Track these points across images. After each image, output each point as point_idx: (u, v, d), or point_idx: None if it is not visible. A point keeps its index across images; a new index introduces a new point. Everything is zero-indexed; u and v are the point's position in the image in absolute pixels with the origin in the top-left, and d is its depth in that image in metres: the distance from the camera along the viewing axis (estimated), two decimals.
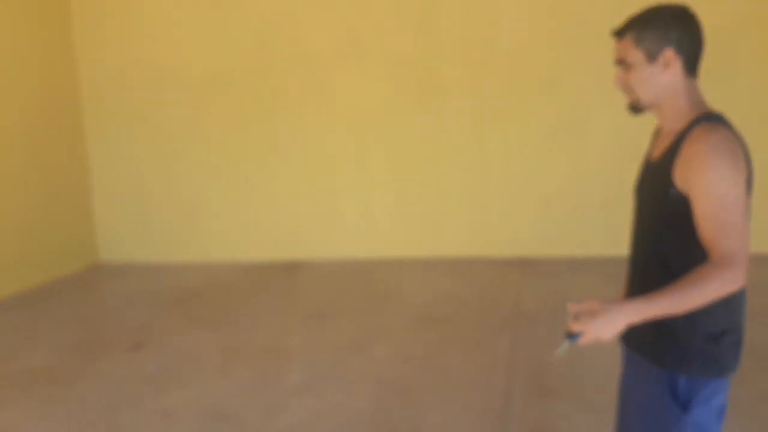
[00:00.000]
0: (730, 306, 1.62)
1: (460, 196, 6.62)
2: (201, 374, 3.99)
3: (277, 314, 5.17)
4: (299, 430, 3.21)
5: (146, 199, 7.29)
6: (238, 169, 7.05)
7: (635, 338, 1.73)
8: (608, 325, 1.49)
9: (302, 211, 6.97)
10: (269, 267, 6.72)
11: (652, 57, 1.65)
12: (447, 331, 4.51)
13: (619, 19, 1.80)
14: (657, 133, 1.86)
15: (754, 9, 5.86)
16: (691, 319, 1.59)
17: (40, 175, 6.62)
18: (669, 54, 1.63)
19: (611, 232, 6.18)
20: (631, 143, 6.05)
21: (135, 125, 7.18)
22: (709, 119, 1.63)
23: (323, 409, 3.42)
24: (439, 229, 6.71)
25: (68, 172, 7.06)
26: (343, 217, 6.91)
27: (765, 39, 5.83)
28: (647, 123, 2.35)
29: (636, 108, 1.75)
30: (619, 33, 1.70)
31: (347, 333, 4.58)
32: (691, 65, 1.67)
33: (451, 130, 6.52)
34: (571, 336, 1.55)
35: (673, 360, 1.65)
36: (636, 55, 1.66)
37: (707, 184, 1.55)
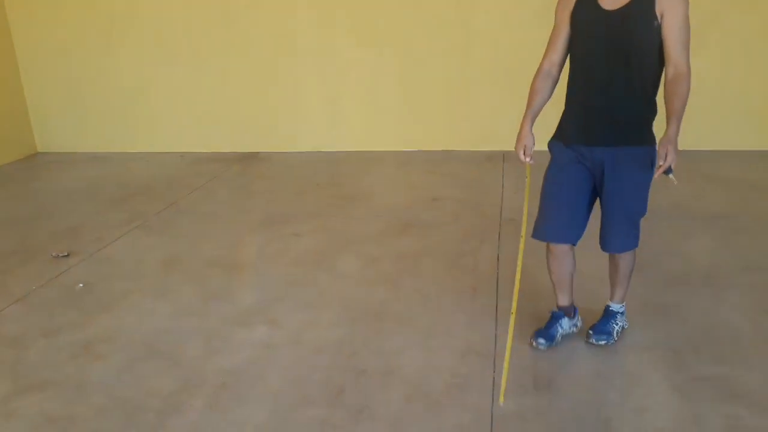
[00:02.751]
0: None
1: (438, 80, 5.82)
2: (134, 294, 3.37)
3: (229, 217, 4.51)
4: (245, 371, 2.64)
5: (82, 84, 6.38)
6: (186, 48, 6.11)
7: (617, 137, 2.38)
8: (676, 152, 2.17)
9: (260, 96, 6.13)
10: (223, 160, 5.98)
11: None
12: (424, 240, 3.92)
13: None
14: None
15: None
16: (654, 112, 2.40)
17: None
18: None
19: None
20: None
21: (62, 5, 6.10)
22: None
23: (277, 341, 2.85)
24: (414, 119, 5.97)
25: None
26: (306, 104, 6.10)
27: None
28: None
29: None
30: None
31: (309, 243, 3.96)
32: None
33: (430, 4, 5.61)
34: (668, 171, 2.19)
35: (648, 139, 2.40)
36: None
37: (683, 18, 2.25)
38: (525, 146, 2.50)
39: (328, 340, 2.85)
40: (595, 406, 2.39)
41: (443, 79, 5.79)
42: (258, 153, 6.18)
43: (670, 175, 2.19)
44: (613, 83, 2.35)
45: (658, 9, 2.23)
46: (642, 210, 2.52)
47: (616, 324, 2.74)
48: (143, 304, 3.26)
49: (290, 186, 5.15)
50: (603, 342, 2.70)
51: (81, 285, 3.47)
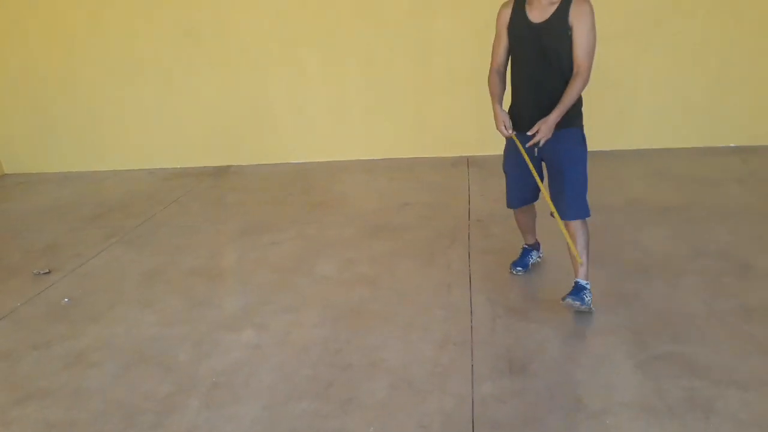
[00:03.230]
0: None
1: (401, 89, 6.01)
2: (120, 306, 3.47)
3: (207, 229, 4.62)
4: (236, 372, 2.77)
5: (47, 102, 6.39)
6: (152, 62, 6.19)
7: (558, 123, 2.91)
8: (549, 130, 2.88)
9: (229, 110, 6.24)
10: (195, 174, 6.08)
11: None
12: (397, 242, 4.10)
13: None
14: (519, 7, 2.95)
15: None
16: (578, 103, 2.99)
17: None
18: None
19: None
20: None
21: (24, 19, 6.13)
22: None
23: (264, 342, 2.99)
24: (379, 127, 6.15)
25: None
26: (274, 117, 6.23)
27: None
28: None
29: None
30: None
31: (287, 249, 4.10)
32: None
33: (390, 12, 5.81)
34: (536, 145, 2.93)
35: (576, 122, 3.02)
36: None
37: (588, 28, 2.82)
38: (503, 122, 2.99)
39: (313, 339, 2.99)
40: (567, 386, 2.59)
41: (406, 88, 5.99)
42: (229, 166, 6.28)
43: (536, 149, 2.95)
44: (543, 81, 2.93)
45: (570, 20, 2.82)
46: (582, 179, 3.03)
47: (586, 296, 3.03)
48: (130, 315, 3.35)
49: (264, 197, 5.27)
50: (578, 303, 2.99)
51: (67, 300, 3.55)
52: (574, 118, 2.98)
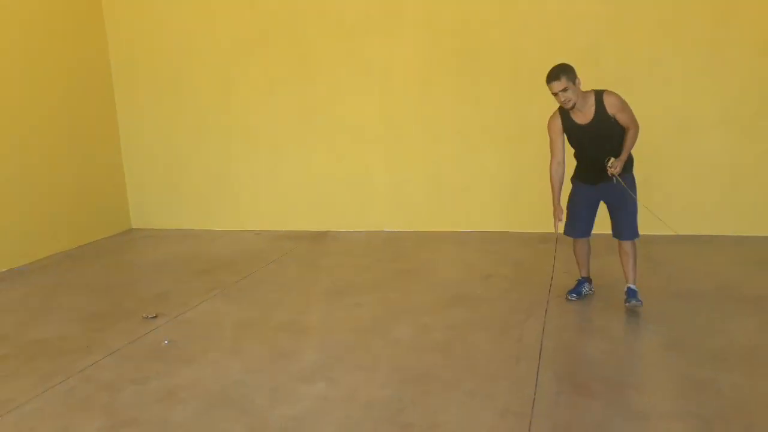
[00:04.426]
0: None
1: (495, 169, 6.23)
2: (212, 351, 3.80)
3: (299, 288, 4.95)
4: (304, 420, 2.97)
5: (177, 166, 7.17)
6: (268, 137, 6.82)
7: (610, 178, 3.83)
8: (621, 165, 3.78)
9: (333, 181, 6.71)
10: (297, 237, 6.52)
11: (575, 82, 3.75)
12: (475, 313, 4.21)
13: None
14: (565, 116, 3.93)
15: None
16: (630, 157, 3.91)
17: (74, 145, 6.60)
18: (578, 80, 3.76)
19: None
20: (674, 108, 5.61)
21: (164, 94, 7.02)
22: (597, 90, 3.83)
23: (333, 396, 3.18)
24: (472, 203, 6.36)
25: (100, 140, 7.00)
26: (374, 189, 6.62)
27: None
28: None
29: (573, 107, 3.84)
30: (557, 77, 3.75)
31: (369, 311, 4.33)
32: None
33: (487, 100, 6.11)
34: (613, 177, 3.83)
35: (630, 169, 3.95)
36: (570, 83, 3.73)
37: (625, 109, 3.79)
38: (559, 215, 4.10)
39: (379, 397, 3.15)
40: None
41: (500, 164, 6.20)
42: (328, 232, 6.69)
43: (614, 179, 3.82)
44: (600, 154, 3.86)
45: (610, 112, 3.79)
46: (635, 210, 3.98)
47: (639, 296, 3.96)
48: (220, 360, 3.67)
49: (354, 261, 5.57)
50: (639, 303, 3.94)
51: (167, 342, 3.94)
52: (629, 166, 3.93)
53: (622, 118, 3.78)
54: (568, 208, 4.12)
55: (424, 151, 6.41)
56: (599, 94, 3.79)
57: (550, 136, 4.00)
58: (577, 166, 4.11)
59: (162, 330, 4.17)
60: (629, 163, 3.91)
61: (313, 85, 6.56)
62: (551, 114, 3.97)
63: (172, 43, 6.87)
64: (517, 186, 6.18)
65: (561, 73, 3.70)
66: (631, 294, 3.98)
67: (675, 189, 5.78)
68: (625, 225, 3.97)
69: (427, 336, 3.86)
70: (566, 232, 4.19)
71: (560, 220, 4.04)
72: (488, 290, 4.64)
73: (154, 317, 4.39)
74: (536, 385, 3.18)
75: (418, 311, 4.28)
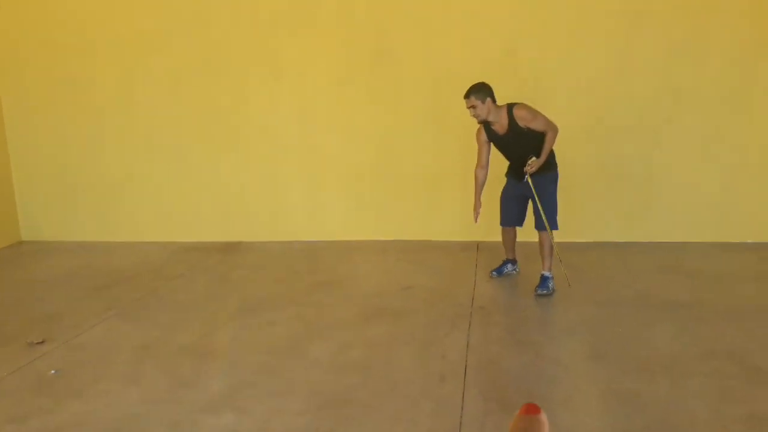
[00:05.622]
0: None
1: (414, 176, 6.08)
2: (105, 380, 3.40)
3: (207, 305, 4.58)
4: None
5: (71, 172, 6.60)
6: (172, 141, 6.38)
7: (538, 172, 4.32)
8: (538, 165, 4.28)
9: (244, 188, 6.36)
10: (206, 249, 6.12)
11: (484, 100, 4.23)
12: (396, 327, 4.00)
13: None
14: (487, 128, 4.41)
15: None
16: (551, 157, 4.40)
17: None
18: (488, 100, 4.25)
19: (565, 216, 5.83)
20: (590, 112, 5.66)
21: (57, 94, 6.45)
22: (510, 104, 4.28)
23: (243, 428, 2.87)
24: (391, 211, 6.17)
25: None
26: (288, 196, 6.32)
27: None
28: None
29: (482, 122, 4.36)
30: (467, 96, 4.26)
31: (283, 329, 4.03)
32: (494, 100, 4.28)
33: (406, 103, 5.95)
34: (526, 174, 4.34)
35: (553, 168, 4.42)
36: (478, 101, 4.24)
37: (536, 118, 4.23)
38: (479, 211, 4.57)
39: (294, 427, 2.87)
40: None
41: (420, 171, 6.04)
42: (240, 242, 6.32)
43: (525, 177, 4.34)
44: (523, 155, 4.34)
45: (522, 125, 4.25)
46: (555, 204, 4.47)
47: (550, 283, 4.46)
48: (114, 390, 3.28)
49: (268, 274, 5.26)
50: (545, 292, 4.41)
51: (54, 371, 3.50)
52: (551, 166, 4.41)
53: (536, 126, 4.22)
54: (501, 200, 4.66)
55: (342, 157, 6.17)
56: (510, 108, 4.24)
57: (477, 144, 4.49)
58: (508, 169, 4.63)
59: (49, 357, 3.71)
60: (550, 163, 4.37)
61: (222, 85, 6.18)
62: (478, 127, 4.48)
63: (65, 37, 6.30)
64: (438, 194, 6.05)
65: (471, 92, 4.23)
66: (541, 281, 4.49)
67: (589, 194, 5.82)
68: (542, 218, 4.41)
69: (347, 355, 3.62)
70: (501, 222, 4.72)
71: (478, 213, 4.53)
72: (410, 302, 4.45)
73: (40, 342, 3.92)
74: (462, 407, 3.00)
75: (336, 327, 4.02)
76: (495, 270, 4.91)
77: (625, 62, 5.57)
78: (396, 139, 6.04)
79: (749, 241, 5.69)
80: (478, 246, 5.76)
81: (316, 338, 3.86)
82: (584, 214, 5.84)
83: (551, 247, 4.47)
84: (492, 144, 4.48)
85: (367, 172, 6.15)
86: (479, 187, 4.54)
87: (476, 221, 4.56)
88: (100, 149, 6.49)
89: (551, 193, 4.46)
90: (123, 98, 6.35)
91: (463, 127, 5.54)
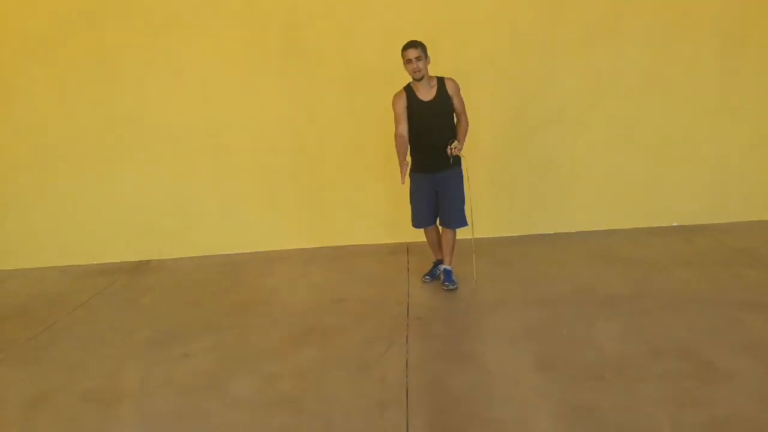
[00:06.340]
0: None
1: (334, 178, 5.71)
2: None
3: (112, 339, 4.06)
4: None
5: None
6: (65, 153, 5.72)
7: (446, 166, 4.21)
8: (461, 146, 4.20)
9: (149, 201, 5.79)
10: (112, 271, 5.54)
11: (426, 57, 4.11)
12: (328, 350, 3.64)
13: None
14: (410, 94, 4.19)
15: None
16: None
17: None
18: (429, 59, 4.13)
19: (498, 213, 5.65)
20: (513, 102, 5.49)
21: None
22: (439, 77, 4.22)
23: None
24: (313, 216, 5.79)
25: None
26: (200, 206, 5.80)
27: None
28: None
29: (421, 78, 4.12)
30: (414, 46, 4.06)
31: (200, 363, 3.59)
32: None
33: (320, 99, 5.57)
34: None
35: (459, 164, 4.30)
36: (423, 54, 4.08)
37: (459, 94, 4.24)
38: (404, 168, 4.07)
39: None
40: None
41: (339, 173, 5.69)
42: (149, 261, 5.77)
43: (452, 159, 4.18)
44: (439, 134, 4.20)
45: (450, 93, 4.19)
46: (463, 201, 4.35)
47: (453, 276, 4.48)
48: None
49: (182, 297, 4.77)
50: (453, 287, 4.40)
51: None
52: (460, 161, 4.30)
53: (457, 102, 4.21)
54: (412, 202, 4.44)
55: (255, 160, 5.71)
56: (441, 79, 4.22)
57: (395, 110, 4.20)
58: (414, 157, 4.29)
59: None
60: (458, 158, 4.27)
61: (117, 89, 5.58)
62: (396, 93, 4.22)
63: None
64: (360, 194, 5.71)
65: (419, 44, 4.07)
66: (447, 275, 4.46)
67: (515, 186, 5.65)
68: (454, 215, 4.32)
69: (274, 388, 3.22)
70: (414, 224, 4.48)
71: (405, 173, 4.08)
72: (341, 318, 4.10)
73: None
74: None
75: (261, 356, 3.62)
76: (427, 274, 4.68)
77: (546, 48, 5.41)
78: (312, 138, 5.66)
79: (675, 224, 5.68)
80: (408, 248, 5.47)
81: (237, 371, 3.44)
82: (511, 207, 5.67)
83: (455, 243, 4.46)
84: (408, 117, 4.18)
85: (284, 176, 5.74)
86: (403, 150, 4.14)
87: (402, 182, 4.10)
88: None
89: (462, 189, 4.32)
90: (3, 112, 5.63)
91: (383, 121, 5.22)
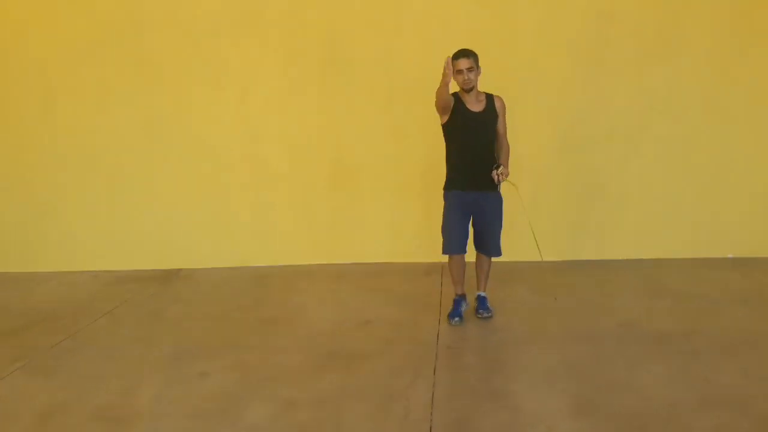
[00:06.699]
0: None
1: (373, 190, 5.55)
2: None
3: (132, 352, 3.95)
4: None
5: None
6: (103, 159, 5.72)
7: (488, 186, 3.96)
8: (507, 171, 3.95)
9: (183, 210, 5.73)
10: (142, 279, 5.48)
11: (478, 68, 3.88)
12: (350, 377, 3.45)
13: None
14: (458, 100, 3.93)
15: None
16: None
17: None
18: (481, 70, 3.91)
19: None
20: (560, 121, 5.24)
21: None
22: (488, 93, 4.02)
23: None
24: (347, 230, 5.63)
25: None
26: (234, 217, 5.72)
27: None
28: None
29: (470, 90, 3.90)
30: (467, 55, 3.82)
31: (217, 383, 3.43)
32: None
33: (360, 112, 5.42)
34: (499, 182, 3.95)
35: (498, 188, 4.02)
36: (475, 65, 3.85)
37: (504, 114, 4.05)
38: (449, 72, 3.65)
39: None
40: None
41: (378, 189, 5.53)
42: (180, 270, 5.69)
43: (500, 185, 3.97)
44: (482, 150, 3.98)
45: (498, 111, 3.99)
46: (501, 227, 4.12)
47: (488, 304, 4.21)
48: None
49: (207, 310, 4.66)
50: (489, 315, 4.14)
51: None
52: (497, 185, 4.01)
53: (501, 123, 4.01)
54: (444, 225, 4.06)
55: (292, 172, 5.60)
56: (489, 95, 4.01)
57: (443, 99, 3.81)
58: (453, 174, 4.05)
59: None
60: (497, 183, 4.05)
61: (157, 97, 5.55)
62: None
63: None
64: (398, 211, 5.53)
65: (471, 53, 3.83)
66: (481, 303, 4.21)
67: (559, 208, 5.38)
68: (492, 242, 4.09)
69: (291, 417, 3.05)
70: (444, 250, 4.08)
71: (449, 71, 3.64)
72: (367, 342, 3.91)
73: None
74: None
75: (281, 379, 3.45)
76: (456, 315, 4.10)
77: (595, 66, 5.15)
78: (350, 151, 5.51)
79: (729, 255, 5.32)
80: (443, 269, 5.23)
81: (254, 395, 3.27)
82: (554, 230, 5.39)
83: (490, 270, 4.24)
84: (452, 127, 3.94)
85: (321, 189, 5.60)
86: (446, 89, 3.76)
87: (447, 69, 3.61)
88: (21, 169, 5.79)
89: (501, 216, 4.08)
90: (45, 113, 5.66)
91: (422, 135, 5.07)
